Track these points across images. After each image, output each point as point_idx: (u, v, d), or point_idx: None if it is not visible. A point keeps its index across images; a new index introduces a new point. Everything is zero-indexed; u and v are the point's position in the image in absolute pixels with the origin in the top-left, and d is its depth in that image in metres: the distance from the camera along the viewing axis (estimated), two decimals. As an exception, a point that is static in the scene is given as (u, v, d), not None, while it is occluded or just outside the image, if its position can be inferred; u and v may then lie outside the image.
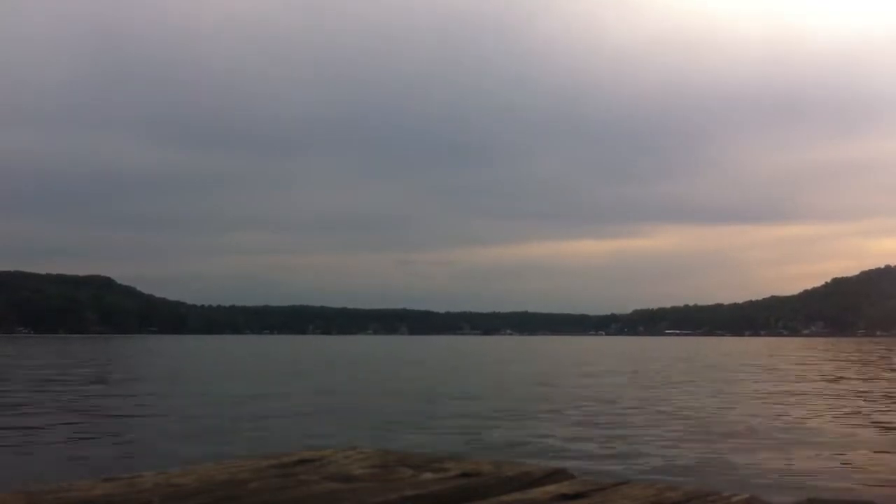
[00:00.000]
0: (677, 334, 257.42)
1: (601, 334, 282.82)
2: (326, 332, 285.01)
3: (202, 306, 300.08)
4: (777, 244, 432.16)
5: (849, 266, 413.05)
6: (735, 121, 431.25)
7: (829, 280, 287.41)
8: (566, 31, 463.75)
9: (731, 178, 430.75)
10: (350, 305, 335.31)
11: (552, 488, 1.36)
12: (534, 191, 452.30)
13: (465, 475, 1.43)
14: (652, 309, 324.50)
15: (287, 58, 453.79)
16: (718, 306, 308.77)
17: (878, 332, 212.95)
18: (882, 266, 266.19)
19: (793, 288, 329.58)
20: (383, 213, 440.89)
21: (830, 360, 43.35)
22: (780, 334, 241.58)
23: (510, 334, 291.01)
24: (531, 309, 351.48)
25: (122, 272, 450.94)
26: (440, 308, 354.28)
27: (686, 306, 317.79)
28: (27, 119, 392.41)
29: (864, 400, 17.95)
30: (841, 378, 27.15)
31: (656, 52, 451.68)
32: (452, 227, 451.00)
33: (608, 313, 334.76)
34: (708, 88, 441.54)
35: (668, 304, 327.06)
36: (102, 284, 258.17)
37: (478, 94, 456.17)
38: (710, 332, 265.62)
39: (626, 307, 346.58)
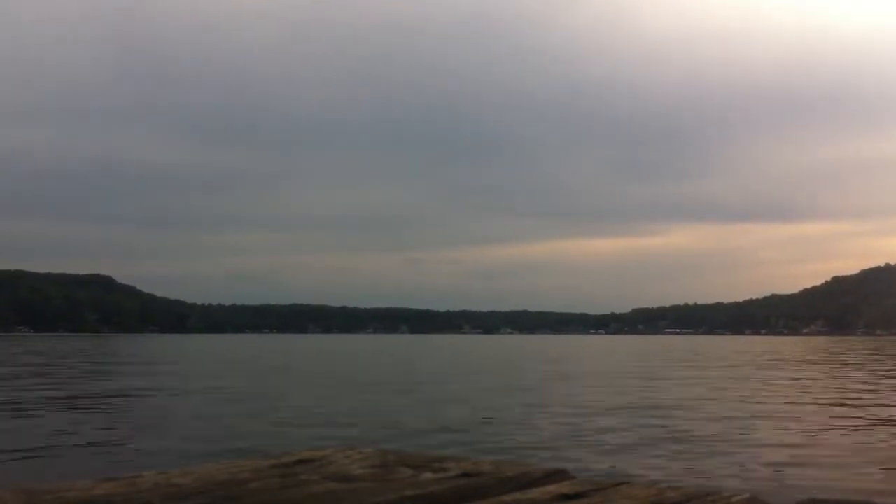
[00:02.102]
0: (677, 333, 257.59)
1: (601, 333, 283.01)
2: (327, 331, 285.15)
3: (203, 305, 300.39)
4: (780, 243, 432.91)
5: (849, 265, 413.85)
6: (750, 118, 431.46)
7: (829, 279, 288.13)
8: (586, 29, 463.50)
9: (741, 177, 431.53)
10: (350, 305, 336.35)
11: (552, 488, 1.37)
12: (544, 189, 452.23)
13: (465, 475, 1.43)
14: (652, 308, 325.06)
15: (298, 56, 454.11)
16: (718, 305, 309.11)
17: (878, 331, 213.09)
18: (882, 265, 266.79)
19: (793, 287, 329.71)
20: (390, 212, 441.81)
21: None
22: (780, 333, 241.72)
23: (510, 333, 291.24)
24: (531, 308, 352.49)
25: (123, 271, 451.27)
26: (442, 307, 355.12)
27: (686, 305, 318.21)
28: (27, 117, 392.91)
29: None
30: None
31: (675, 49, 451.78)
32: (460, 227, 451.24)
33: (608, 312, 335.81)
34: (727, 85, 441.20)
35: (668, 303, 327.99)
36: (103, 284, 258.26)
37: (492, 90, 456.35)
38: (711, 331, 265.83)
39: (627, 306, 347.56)
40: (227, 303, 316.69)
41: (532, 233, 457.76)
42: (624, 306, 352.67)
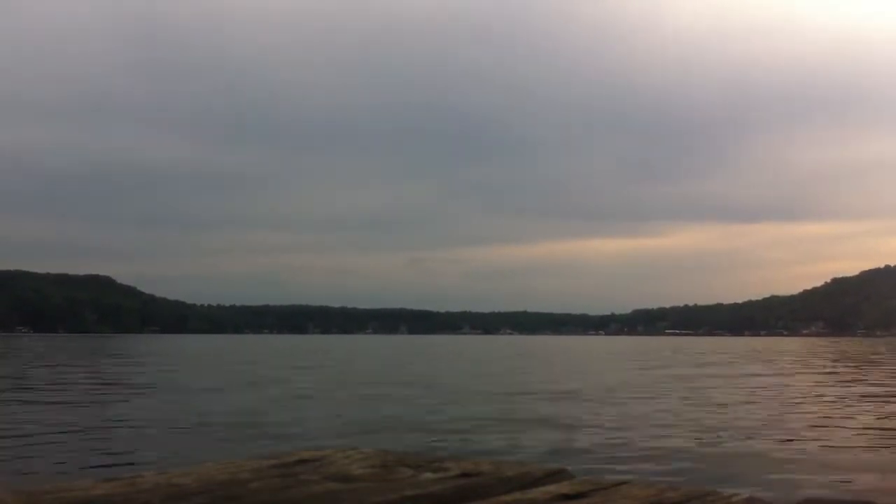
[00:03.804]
0: (677, 334, 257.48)
1: (601, 334, 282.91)
2: (326, 331, 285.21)
3: (202, 306, 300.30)
4: (780, 244, 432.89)
5: (849, 266, 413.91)
6: (755, 118, 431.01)
7: (829, 280, 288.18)
8: (594, 28, 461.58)
9: (742, 178, 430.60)
10: (350, 305, 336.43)
11: (552, 488, 1.37)
12: (551, 190, 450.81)
13: (465, 475, 1.43)
14: (652, 309, 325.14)
15: (301, 57, 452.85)
16: (719, 306, 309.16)
17: (878, 332, 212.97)
18: (882, 266, 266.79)
19: (793, 288, 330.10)
20: (395, 212, 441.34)
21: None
22: (779, 334, 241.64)
23: (510, 334, 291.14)
24: (532, 309, 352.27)
25: (123, 271, 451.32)
26: (442, 307, 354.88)
27: (686, 306, 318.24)
28: (28, 116, 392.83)
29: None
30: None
31: (687, 48, 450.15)
32: (465, 227, 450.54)
33: (608, 313, 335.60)
34: (735, 84, 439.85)
35: (669, 304, 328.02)
36: (103, 284, 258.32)
37: (500, 89, 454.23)
38: (710, 332, 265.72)
39: (628, 307, 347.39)
40: (227, 303, 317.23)
41: (537, 233, 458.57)
42: (624, 307, 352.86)
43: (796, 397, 17.75)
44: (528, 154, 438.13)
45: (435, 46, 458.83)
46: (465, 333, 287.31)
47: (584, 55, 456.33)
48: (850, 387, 21.50)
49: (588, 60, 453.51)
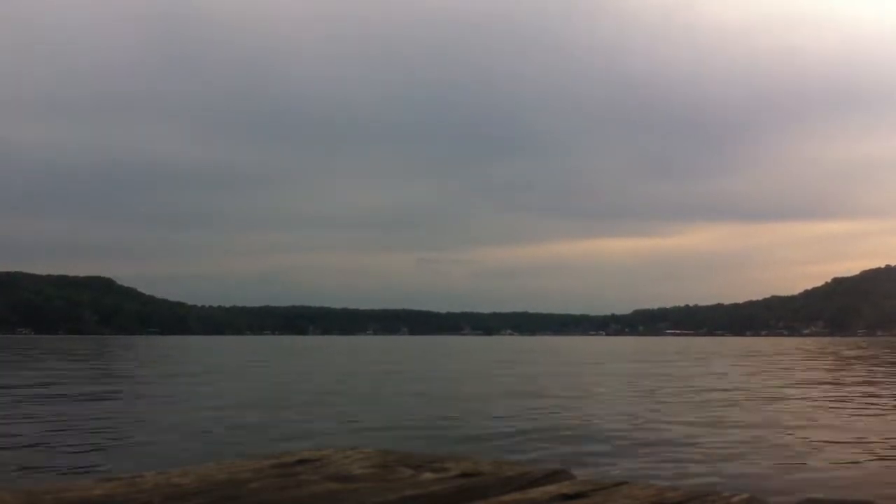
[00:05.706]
0: (677, 334, 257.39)
1: (601, 334, 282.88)
2: (326, 332, 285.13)
3: (203, 307, 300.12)
4: (781, 244, 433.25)
5: (849, 266, 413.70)
6: (760, 119, 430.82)
7: (829, 280, 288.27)
8: (621, 24, 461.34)
9: (745, 178, 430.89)
10: (351, 306, 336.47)
11: (552, 488, 1.37)
12: (565, 189, 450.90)
13: (465, 475, 1.44)
14: (652, 309, 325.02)
15: (315, 54, 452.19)
16: (719, 306, 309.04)
17: (879, 332, 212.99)
18: (882, 266, 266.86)
19: (794, 288, 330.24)
20: (404, 212, 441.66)
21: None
22: (780, 334, 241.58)
23: (511, 334, 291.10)
24: (531, 309, 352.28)
25: (123, 273, 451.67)
26: (443, 308, 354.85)
27: (686, 306, 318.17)
28: (28, 113, 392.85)
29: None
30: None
31: (705, 46, 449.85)
32: (475, 227, 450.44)
33: (609, 314, 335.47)
34: (765, 79, 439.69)
35: (669, 304, 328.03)
36: (103, 285, 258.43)
37: (518, 87, 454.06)
38: (711, 333, 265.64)
39: (629, 307, 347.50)
40: (228, 304, 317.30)
41: (539, 234, 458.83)
42: (625, 307, 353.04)
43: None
44: (536, 153, 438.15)
45: (444, 43, 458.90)
46: (465, 335, 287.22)
47: (598, 52, 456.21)
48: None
49: (602, 57, 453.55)
